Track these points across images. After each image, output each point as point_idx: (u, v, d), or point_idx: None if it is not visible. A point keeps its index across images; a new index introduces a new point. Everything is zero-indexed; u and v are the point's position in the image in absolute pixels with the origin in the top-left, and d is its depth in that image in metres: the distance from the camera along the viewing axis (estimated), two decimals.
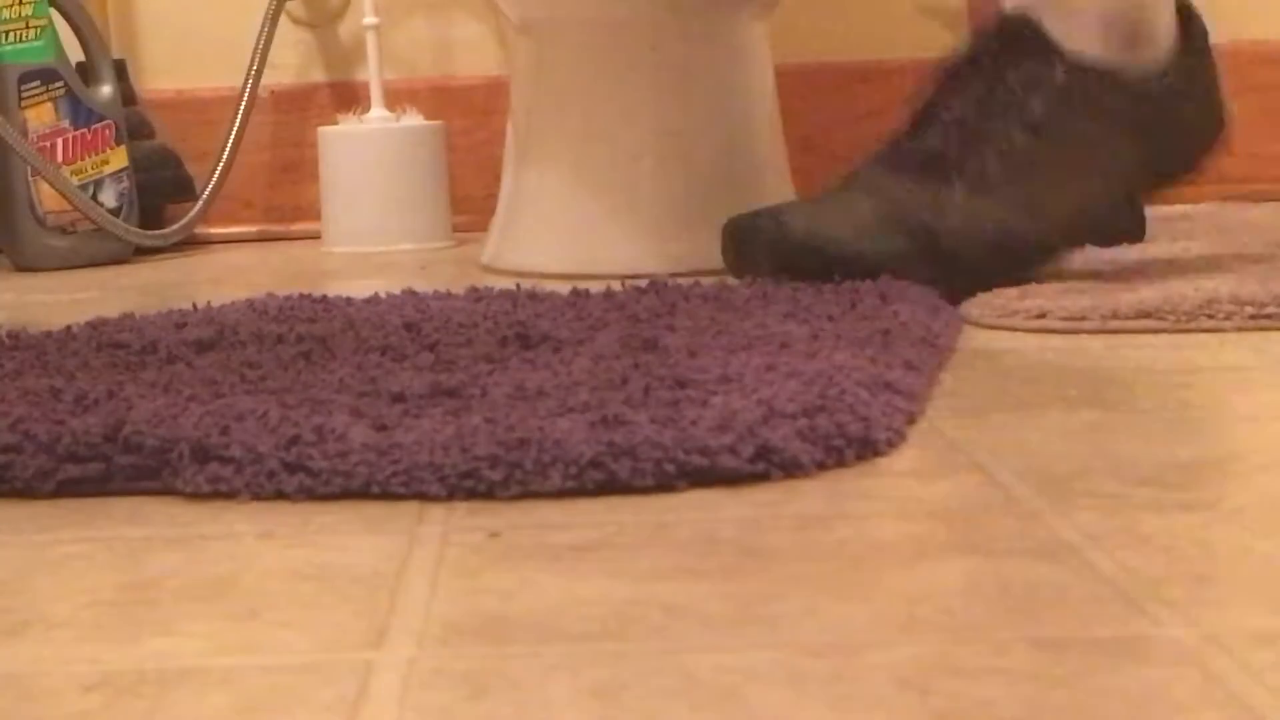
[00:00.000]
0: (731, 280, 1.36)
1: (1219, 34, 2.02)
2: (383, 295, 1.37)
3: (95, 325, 1.25)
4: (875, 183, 1.35)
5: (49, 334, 1.21)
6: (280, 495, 0.85)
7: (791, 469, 0.85)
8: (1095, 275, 1.40)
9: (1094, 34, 1.34)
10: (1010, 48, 1.33)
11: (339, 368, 1.06)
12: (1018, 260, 1.35)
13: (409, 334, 1.16)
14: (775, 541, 0.76)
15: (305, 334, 1.17)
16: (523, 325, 1.16)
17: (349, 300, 1.34)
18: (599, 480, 0.83)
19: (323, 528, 0.81)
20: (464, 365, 1.06)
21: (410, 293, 1.38)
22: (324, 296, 1.36)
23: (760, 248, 1.36)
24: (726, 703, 0.57)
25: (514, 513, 0.81)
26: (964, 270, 1.32)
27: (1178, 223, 1.81)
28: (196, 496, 0.86)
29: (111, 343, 1.16)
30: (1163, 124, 1.37)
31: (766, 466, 0.85)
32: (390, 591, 0.70)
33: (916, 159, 1.34)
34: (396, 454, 0.85)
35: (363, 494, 0.84)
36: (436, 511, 0.82)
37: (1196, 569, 0.69)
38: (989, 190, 1.34)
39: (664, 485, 0.83)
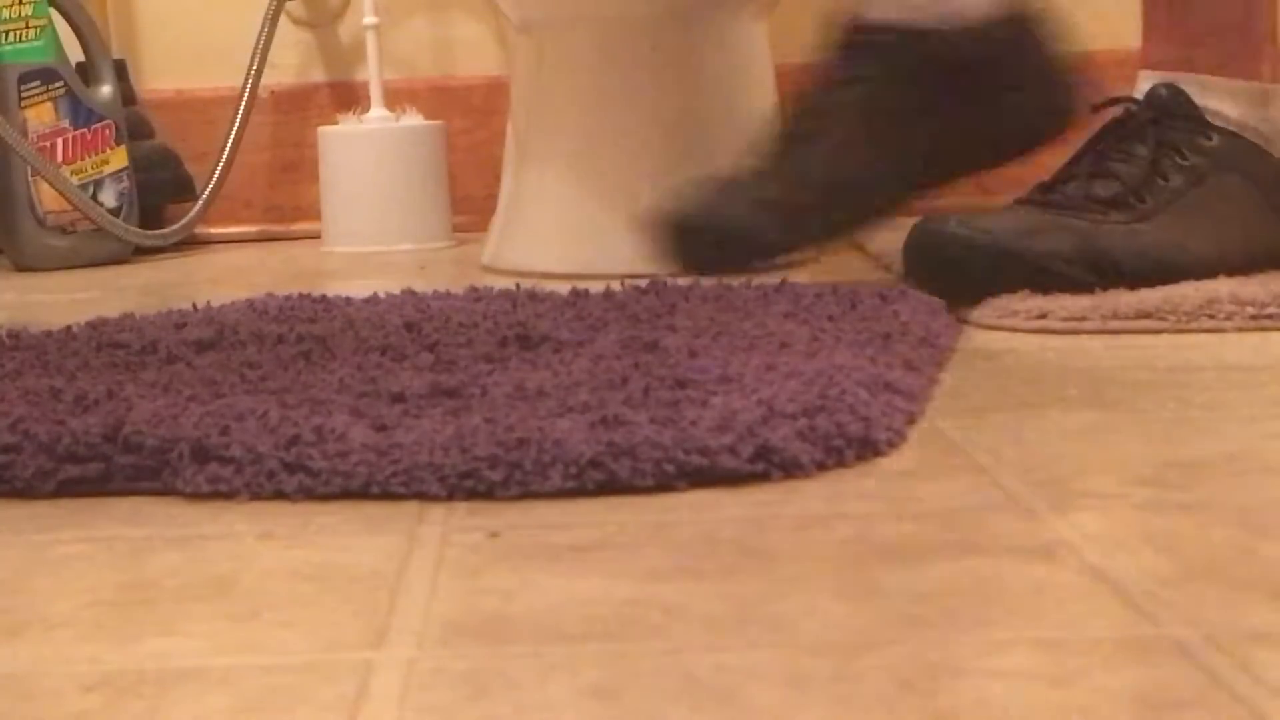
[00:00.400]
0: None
1: None
2: (382, 295, 1.37)
3: (95, 325, 1.25)
4: (1026, 211, 1.38)
5: (49, 334, 1.21)
6: (280, 495, 0.85)
7: (791, 469, 0.85)
8: None
9: (1227, 104, 1.44)
10: (1165, 115, 1.42)
11: (339, 368, 1.06)
12: (1169, 280, 1.37)
13: (409, 334, 1.16)
14: (775, 541, 0.76)
15: (305, 334, 1.17)
16: (523, 325, 1.16)
17: (349, 300, 1.34)
18: (599, 480, 0.83)
19: (323, 528, 0.81)
20: (464, 365, 1.06)
21: (410, 293, 1.38)
22: (324, 296, 1.36)
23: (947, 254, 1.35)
24: (726, 703, 0.57)
25: (514, 513, 0.81)
26: (1123, 277, 1.35)
27: None
28: (196, 496, 0.86)
29: (112, 343, 1.16)
30: None
31: (766, 466, 0.85)
32: (390, 591, 0.70)
33: (1075, 201, 1.38)
34: (396, 454, 0.85)
35: (362, 494, 0.84)
36: (436, 511, 0.82)
37: (1196, 569, 0.69)
38: (1147, 218, 1.39)
39: (664, 485, 0.83)
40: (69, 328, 1.23)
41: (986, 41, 1.48)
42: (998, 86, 1.49)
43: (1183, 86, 1.42)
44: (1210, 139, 1.42)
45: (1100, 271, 1.34)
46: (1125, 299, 1.25)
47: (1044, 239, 1.33)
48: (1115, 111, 1.45)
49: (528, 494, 0.83)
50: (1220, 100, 1.43)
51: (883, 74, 1.45)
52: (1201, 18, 1.45)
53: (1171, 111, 1.42)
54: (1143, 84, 1.45)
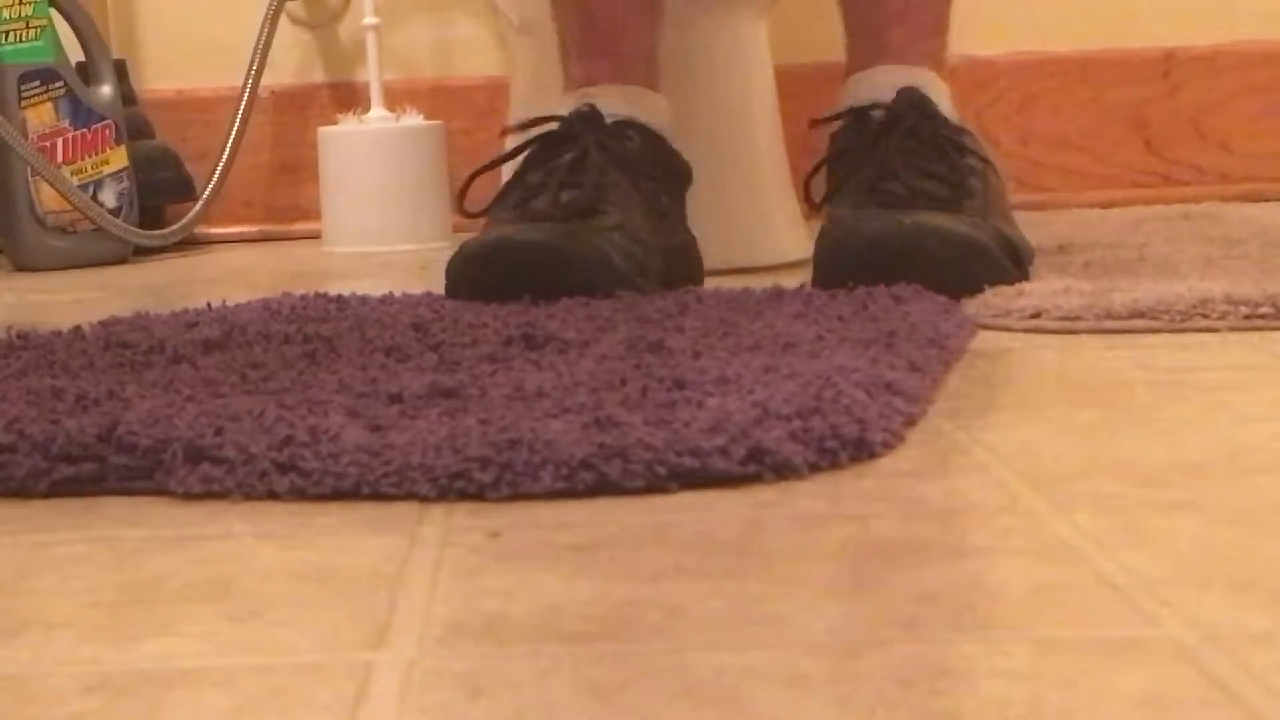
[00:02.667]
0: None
1: (1220, 34, 2.03)
2: (398, 295, 1.36)
3: (106, 325, 1.25)
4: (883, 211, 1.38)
5: (58, 333, 1.21)
6: (272, 495, 0.85)
7: (784, 471, 0.85)
8: (1091, 275, 1.40)
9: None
10: (923, 117, 1.43)
11: (342, 368, 1.06)
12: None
13: (416, 334, 1.16)
14: (775, 541, 0.76)
15: (312, 334, 1.17)
16: (530, 326, 1.15)
17: (364, 300, 1.34)
18: (590, 481, 0.83)
19: (323, 528, 0.81)
20: (467, 366, 1.06)
21: (427, 294, 1.37)
22: (339, 296, 1.36)
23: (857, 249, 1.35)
24: (726, 703, 0.57)
25: (513, 513, 0.81)
26: (1020, 267, 1.38)
27: (1176, 222, 1.81)
28: (196, 497, 0.86)
29: (119, 342, 1.16)
30: None
31: (758, 468, 0.84)
32: (390, 592, 0.70)
33: (921, 200, 1.38)
34: (389, 455, 0.85)
35: (354, 494, 0.84)
36: (436, 512, 0.82)
37: (1196, 569, 0.69)
38: (985, 214, 1.40)
39: (658, 486, 0.83)
40: (78, 327, 1.23)
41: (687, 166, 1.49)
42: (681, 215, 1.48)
43: (915, 88, 1.43)
44: (964, 136, 1.44)
45: (1014, 260, 1.37)
46: (1120, 298, 1.25)
47: (968, 229, 1.34)
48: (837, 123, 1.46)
49: (519, 495, 0.83)
50: (940, 101, 1.45)
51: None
52: (926, 17, 1.49)
53: (924, 113, 1.43)
54: (867, 87, 1.46)
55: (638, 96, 1.47)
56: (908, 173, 1.39)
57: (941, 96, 1.46)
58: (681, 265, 1.45)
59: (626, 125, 1.44)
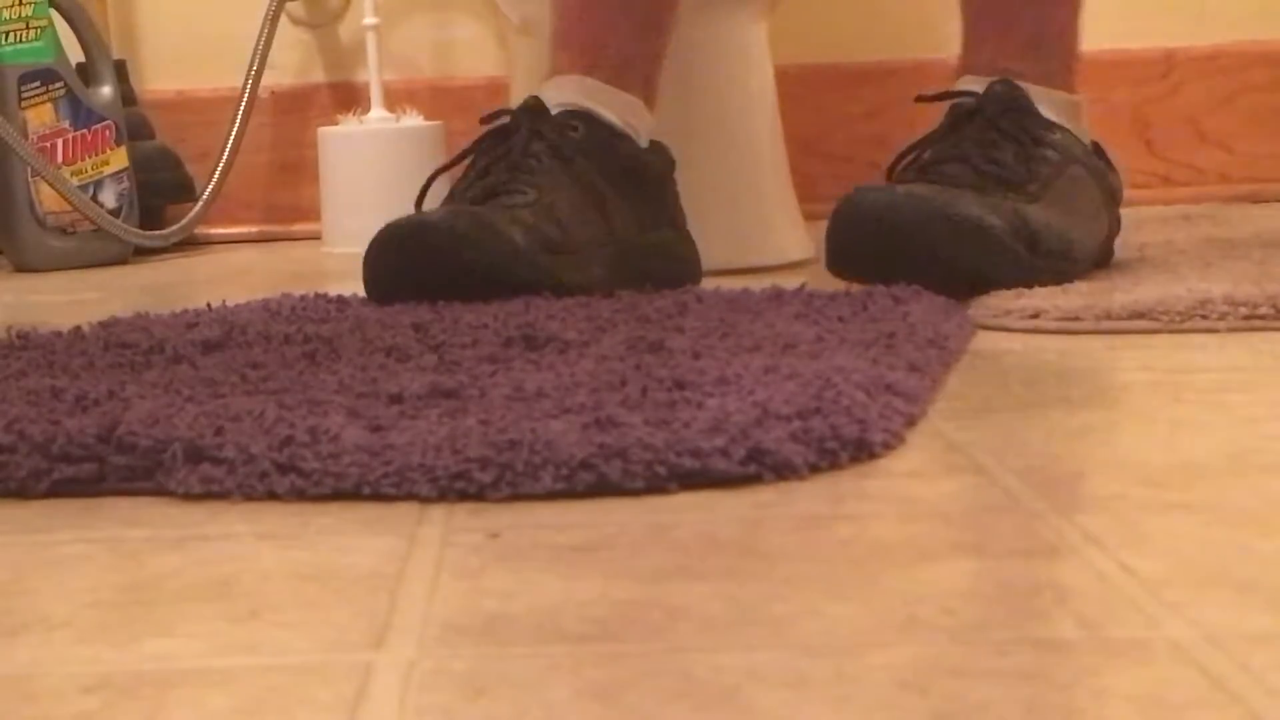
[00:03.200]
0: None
1: (1220, 34, 2.03)
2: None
3: (106, 325, 1.25)
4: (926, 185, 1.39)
5: (59, 334, 1.21)
6: (272, 496, 0.85)
7: (783, 471, 0.85)
8: (1091, 275, 1.40)
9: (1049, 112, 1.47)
10: (1009, 109, 1.44)
11: (342, 368, 1.06)
12: (1067, 261, 1.40)
13: (416, 335, 1.16)
14: (775, 542, 0.76)
15: (313, 334, 1.17)
16: (530, 326, 1.15)
17: (364, 300, 1.34)
18: (589, 482, 0.83)
19: (323, 529, 0.81)
20: (467, 366, 1.05)
21: None
22: (339, 296, 1.36)
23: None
24: (726, 703, 0.57)
25: (513, 514, 0.81)
26: (1036, 255, 1.37)
27: (1176, 222, 1.81)
28: (196, 497, 0.86)
29: (119, 343, 1.15)
30: None
31: (758, 469, 0.84)
32: (390, 592, 0.70)
33: (966, 180, 1.39)
34: (389, 455, 0.85)
35: (354, 495, 0.84)
36: (436, 512, 0.82)
37: (1196, 569, 0.69)
38: (1036, 200, 1.40)
39: (658, 487, 0.83)
40: (78, 327, 1.23)
41: (656, 162, 1.49)
42: (658, 211, 1.48)
43: (1009, 80, 1.44)
44: (1054, 133, 1.44)
45: (1029, 246, 1.36)
46: (1119, 299, 1.25)
47: (978, 207, 1.33)
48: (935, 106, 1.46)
49: (519, 495, 0.83)
50: (1043, 108, 1.45)
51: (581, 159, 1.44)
52: (1026, 30, 1.49)
53: (1012, 106, 1.43)
54: (968, 85, 1.46)
55: (594, 89, 1.47)
56: (975, 157, 1.39)
57: (1043, 99, 1.45)
58: (662, 263, 1.45)
59: (573, 115, 1.44)
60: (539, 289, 1.31)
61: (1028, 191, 1.39)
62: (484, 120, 1.48)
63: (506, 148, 1.42)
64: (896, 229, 1.32)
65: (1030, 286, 1.32)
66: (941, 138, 1.43)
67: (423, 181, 1.47)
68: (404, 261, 1.34)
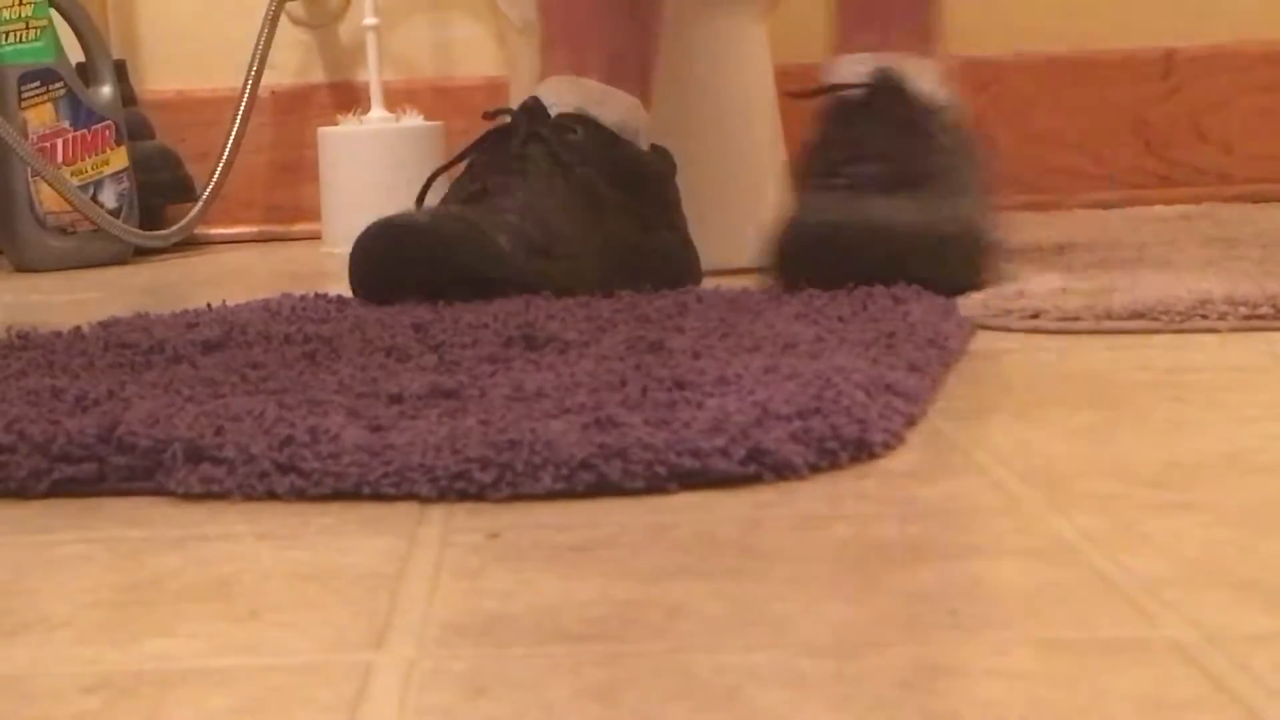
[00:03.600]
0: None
1: (1220, 34, 2.03)
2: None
3: (106, 325, 1.25)
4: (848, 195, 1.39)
5: (59, 334, 1.21)
6: (272, 496, 0.85)
7: (784, 471, 0.85)
8: (1090, 275, 1.40)
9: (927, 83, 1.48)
10: (895, 101, 1.45)
11: (342, 368, 1.06)
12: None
13: (416, 335, 1.16)
14: (775, 542, 0.76)
15: (313, 334, 1.17)
16: (530, 326, 1.15)
17: (364, 300, 1.34)
18: (589, 482, 0.83)
19: (323, 529, 0.81)
20: (467, 366, 1.05)
21: None
22: (339, 296, 1.36)
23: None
24: (726, 703, 0.57)
25: (513, 514, 0.81)
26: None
27: (1176, 222, 1.81)
28: (195, 497, 0.86)
29: (120, 343, 1.15)
30: None
31: (758, 469, 0.84)
32: (390, 592, 0.70)
33: (880, 183, 1.39)
34: (389, 455, 0.85)
35: (354, 495, 0.84)
36: (436, 512, 0.82)
37: (1196, 569, 0.69)
38: (946, 198, 1.41)
39: (658, 487, 0.83)
40: (78, 328, 1.23)
41: (657, 165, 1.49)
42: (657, 214, 1.49)
43: (890, 68, 1.45)
44: (939, 121, 1.44)
45: (973, 235, 1.37)
46: (1119, 299, 1.25)
47: (923, 214, 1.34)
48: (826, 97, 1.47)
49: (519, 495, 0.83)
50: (921, 79, 1.45)
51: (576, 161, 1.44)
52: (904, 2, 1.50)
53: (900, 99, 1.44)
54: (848, 67, 1.46)
55: (592, 91, 1.47)
56: (877, 154, 1.40)
57: (923, 74, 1.46)
58: (660, 265, 1.45)
59: (574, 119, 1.44)
60: (525, 292, 1.31)
61: (940, 187, 1.39)
62: (487, 116, 1.48)
63: (503, 150, 1.42)
64: (849, 251, 1.32)
65: (981, 286, 1.33)
66: (840, 133, 1.43)
67: (422, 181, 1.47)
68: (390, 262, 1.35)
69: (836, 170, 1.40)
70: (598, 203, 1.43)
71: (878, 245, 1.31)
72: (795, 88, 1.51)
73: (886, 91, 1.43)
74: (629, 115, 1.47)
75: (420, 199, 1.46)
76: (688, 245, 1.49)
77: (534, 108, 1.44)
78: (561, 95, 1.46)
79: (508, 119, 1.45)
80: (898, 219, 1.33)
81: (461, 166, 1.45)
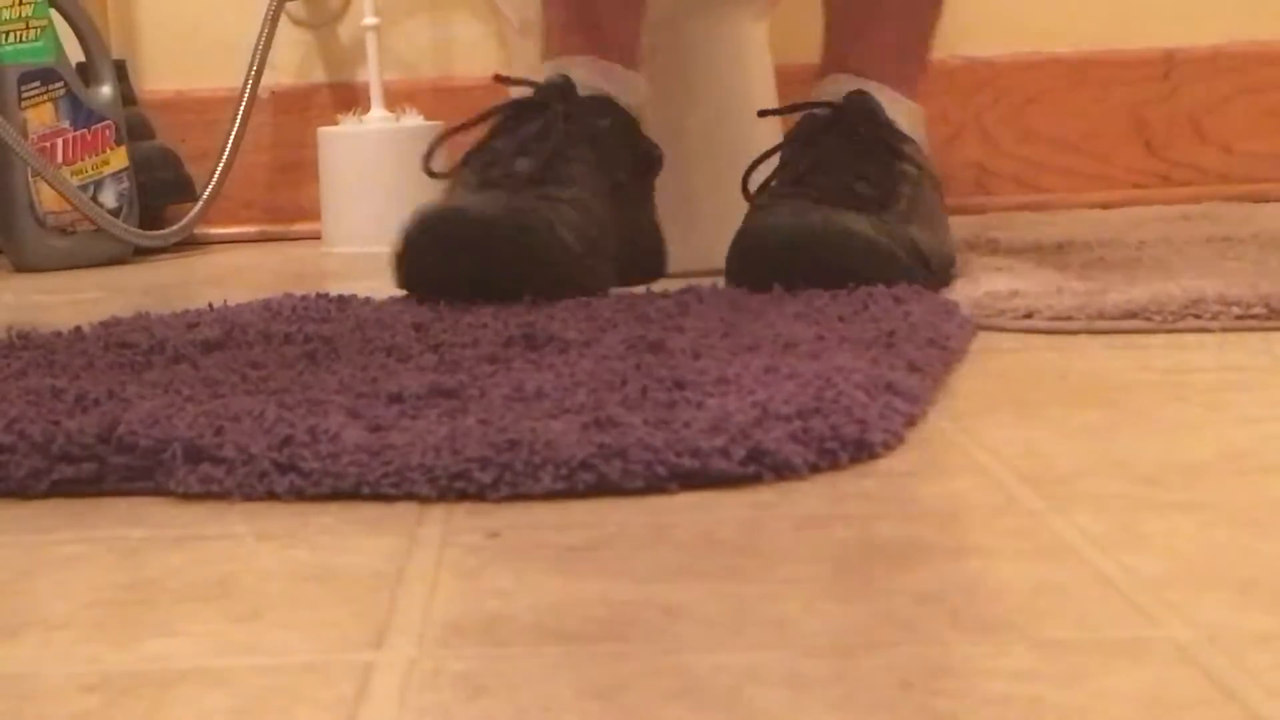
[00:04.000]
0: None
1: (1220, 34, 2.03)
2: (398, 295, 1.36)
3: (106, 325, 1.25)
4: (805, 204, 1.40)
5: (59, 334, 1.21)
6: (272, 495, 0.85)
7: (784, 471, 0.85)
8: (1087, 275, 1.40)
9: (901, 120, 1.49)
10: (866, 121, 1.46)
11: (342, 368, 1.06)
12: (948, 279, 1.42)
13: (416, 334, 1.16)
14: (775, 542, 0.76)
15: (313, 334, 1.17)
16: (530, 326, 1.15)
17: (364, 300, 1.34)
18: (589, 482, 0.83)
19: (323, 529, 0.81)
20: (467, 366, 1.05)
21: None
22: (339, 296, 1.35)
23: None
24: (726, 703, 0.57)
25: (513, 514, 0.81)
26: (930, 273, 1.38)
27: (1176, 222, 1.81)
28: (195, 497, 0.86)
29: (119, 342, 1.15)
30: None
31: (758, 469, 0.84)
32: (390, 592, 0.70)
33: (843, 197, 1.40)
34: (389, 455, 0.85)
35: (354, 495, 0.84)
36: (436, 512, 0.82)
37: (1196, 569, 0.69)
38: (909, 220, 1.41)
39: (658, 487, 0.83)
40: (78, 327, 1.23)
41: (658, 154, 1.50)
42: (648, 201, 1.50)
43: (865, 93, 1.46)
44: (904, 151, 1.45)
45: (924, 265, 1.37)
46: (1112, 298, 1.25)
47: (872, 229, 1.34)
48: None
49: (519, 495, 0.83)
50: (895, 111, 1.47)
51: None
52: (890, 38, 1.51)
53: (869, 118, 1.44)
54: (824, 88, 1.48)
55: (613, 73, 1.47)
56: (839, 169, 1.40)
57: (897, 108, 1.47)
58: (641, 254, 1.45)
59: (600, 101, 1.44)
60: (589, 292, 1.31)
61: (898, 210, 1.40)
62: (500, 80, 1.46)
63: (540, 130, 1.41)
64: (802, 255, 1.32)
65: None
66: (805, 148, 1.44)
67: (422, 181, 1.47)
68: (453, 257, 1.32)
69: (799, 179, 1.41)
70: (624, 197, 1.43)
71: (829, 251, 1.32)
72: (766, 106, 1.52)
73: (857, 112, 1.44)
74: (643, 100, 1.48)
75: (427, 158, 1.45)
76: (658, 234, 1.51)
77: (563, 85, 1.43)
78: (588, 76, 1.45)
79: (522, 92, 1.44)
80: (854, 228, 1.34)
81: (473, 132, 1.44)
